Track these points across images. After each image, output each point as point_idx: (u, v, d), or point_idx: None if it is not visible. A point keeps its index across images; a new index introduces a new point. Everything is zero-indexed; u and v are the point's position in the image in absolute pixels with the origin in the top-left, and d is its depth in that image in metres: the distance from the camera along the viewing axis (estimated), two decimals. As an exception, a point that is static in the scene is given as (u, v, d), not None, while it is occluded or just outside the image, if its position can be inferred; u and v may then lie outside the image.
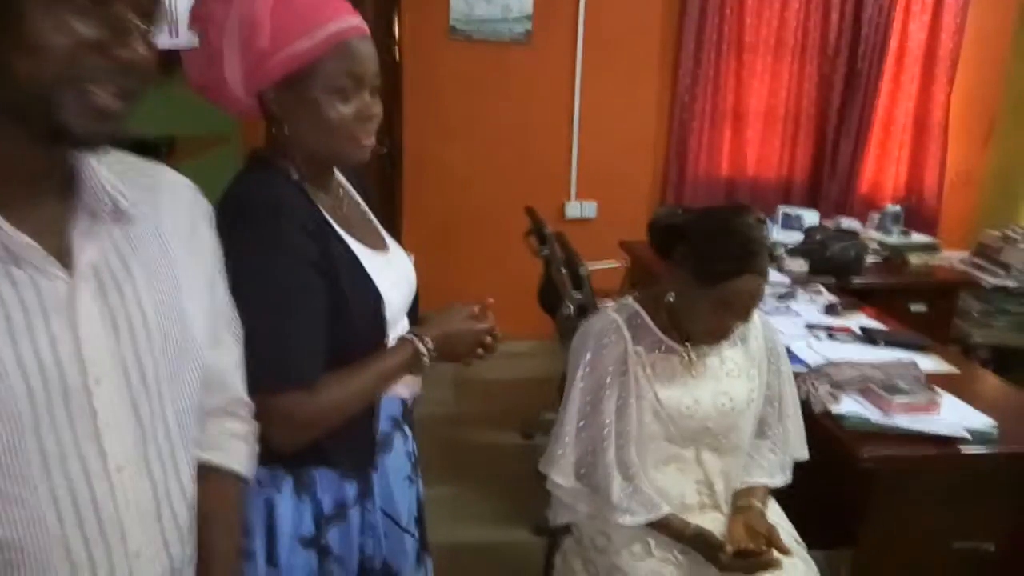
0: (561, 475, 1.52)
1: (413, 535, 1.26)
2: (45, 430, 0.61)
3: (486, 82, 3.87)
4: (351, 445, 1.12)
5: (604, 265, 3.02)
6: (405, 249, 1.27)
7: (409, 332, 1.14)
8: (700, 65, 3.81)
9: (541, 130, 3.95)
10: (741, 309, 1.43)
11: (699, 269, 1.41)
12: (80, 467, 0.63)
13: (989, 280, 3.49)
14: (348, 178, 1.23)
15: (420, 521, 1.30)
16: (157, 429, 0.70)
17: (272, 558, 1.10)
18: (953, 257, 3.62)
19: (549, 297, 2.84)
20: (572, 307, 2.24)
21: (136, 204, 0.70)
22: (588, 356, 1.50)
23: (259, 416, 0.99)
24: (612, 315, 1.52)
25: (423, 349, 1.11)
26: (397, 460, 1.22)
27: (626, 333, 1.49)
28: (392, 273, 1.15)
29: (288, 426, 1.01)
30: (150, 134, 2.22)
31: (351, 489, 1.14)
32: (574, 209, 4.06)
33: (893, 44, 3.84)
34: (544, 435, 2.64)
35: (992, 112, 3.98)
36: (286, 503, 1.10)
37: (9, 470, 0.59)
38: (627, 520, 1.45)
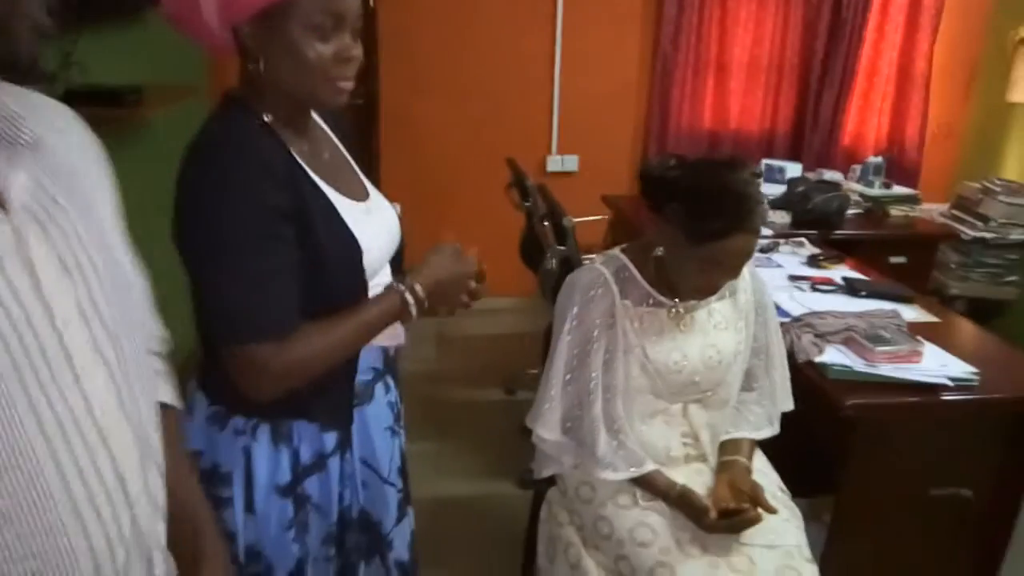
0: (547, 429, 1.51)
1: (395, 486, 1.25)
2: (29, 379, 0.57)
3: (463, 32, 3.76)
4: (329, 399, 1.11)
5: (587, 219, 2.98)
6: (390, 199, 1.22)
7: (396, 280, 1.10)
8: (683, 13, 3.73)
9: (521, 82, 3.87)
10: (731, 267, 1.41)
11: (691, 227, 1.37)
12: (71, 417, 0.60)
13: (968, 232, 3.51)
14: (327, 124, 1.18)
15: (403, 473, 1.29)
16: (126, 372, 0.67)
17: (249, 505, 1.10)
18: (933, 209, 3.63)
19: (531, 251, 2.81)
20: (555, 260, 2.21)
21: (39, 131, 0.64)
22: (575, 309, 1.48)
23: (233, 367, 0.97)
24: (600, 268, 1.50)
25: (411, 299, 1.07)
26: (378, 410, 1.20)
27: (614, 286, 1.47)
28: (373, 223, 1.11)
29: (264, 377, 0.98)
30: (116, 83, 2.13)
31: (330, 439, 1.13)
32: (555, 163, 4.00)
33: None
34: (527, 391, 2.64)
35: (973, 64, 3.95)
36: (263, 451, 1.09)
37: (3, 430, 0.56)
38: (611, 475, 1.46)
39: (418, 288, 1.08)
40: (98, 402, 0.62)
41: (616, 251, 1.55)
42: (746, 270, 1.54)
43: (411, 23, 3.71)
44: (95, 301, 0.64)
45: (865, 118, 4.03)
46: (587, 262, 1.68)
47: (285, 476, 1.10)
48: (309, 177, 1.04)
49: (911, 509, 1.82)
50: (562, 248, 2.23)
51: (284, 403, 1.03)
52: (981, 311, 3.40)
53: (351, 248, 1.05)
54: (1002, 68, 3.71)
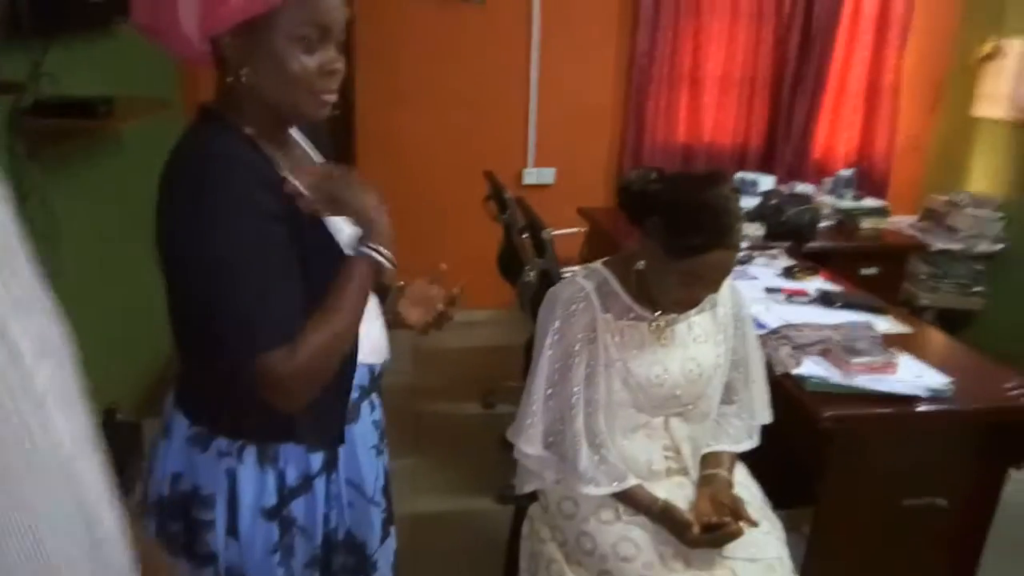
0: (529, 444, 1.50)
1: (379, 506, 1.23)
2: None
3: (441, 44, 3.77)
4: (319, 419, 1.08)
5: (565, 231, 2.99)
6: None
7: (354, 247, 1.04)
8: (658, 28, 3.77)
9: (498, 94, 3.88)
10: (711, 281, 1.41)
11: (670, 242, 1.37)
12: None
13: (936, 244, 3.58)
14: (305, 137, 1.17)
15: (387, 492, 1.27)
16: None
17: (232, 529, 1.06)
18: (903, 221, 3.70)
19: (509, 264, 2.81)
20: (534, 273, 2.21)
21: None
22: (557, 324, 1.48)
23: (256, 380, 0.93)
24: (581, 282, 1.49)
25: (379, 256, 1.03)
26: (364, 429, 1.18)
27: (595, 300, 1.47)
28: (352, 231, 1.10)
29: (281, 387, 0.94)
30: (87, 94, 2.10)
31: (316, 460, 1.10)
32: (532, 175, 4.01)
33: (847, 8, 3.86)
34: (506, 404, 2.63)
35: (940, 79, 4.04)
36: (249, 473, 1.06)
37: None
38: (593, 490, 1.45)
39: (379, 246, 1.03)
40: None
41: (597, 264, 1.55)
42: (725, 283, 1.54)
43: (389, 34, 3.70)
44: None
45: (836, 131, 4.10)
46: (566, 275, 1.67)
47: (271, 499, 1.07)
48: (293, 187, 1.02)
49: (888, 519, 1.84)
50: (541, 261, 2.23)
51: (272, 424, 1.01)
52: (950, 321, 3.47)
53: (336, 258, 1.03)
54: (967, 83, 3.81)
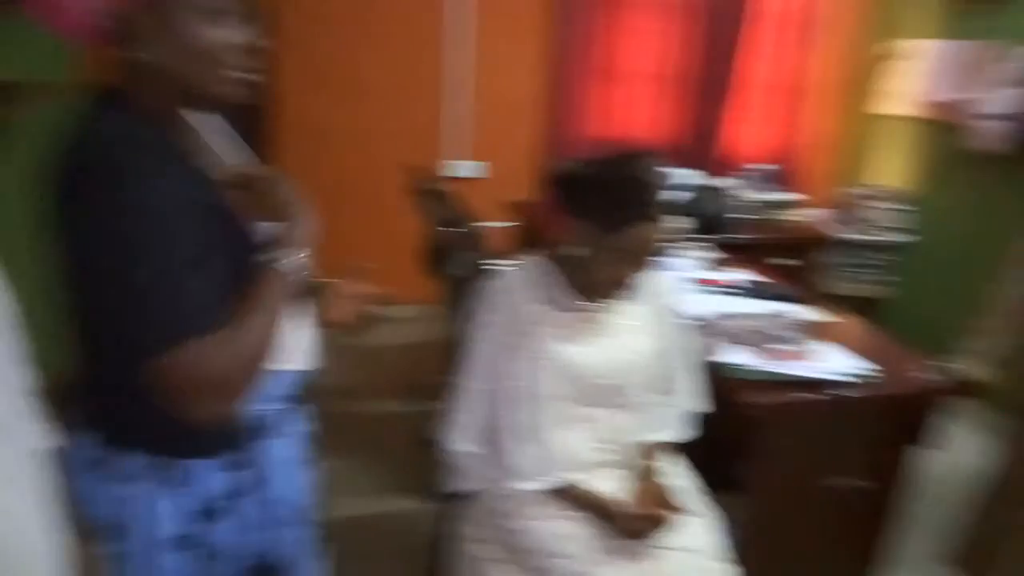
0: (459, 440, 1.46)
1: (305, 524, 1.16)
2: None
3: (362, 32, 3.66)
4: (229, 433, 1.00)
5: (493, 224, 2.95)
6: None
7: (267, 255, 0.96)
8: (576, 23, 3.78)
9: (424, 86, 3.81)
10: (639, 257, 1.41)
11: (598, 219, 1.37)
12: None
13: (848, 235, 3.73)
14: (214, 127, 1.09)
15: (313, 508, 1.19)
16: None
17: (140, 559, 0.97)
18: (818, 214, 3.84)
19: (435, 258, 2.75)
20: (461, 268, 2.16)
21: None
22: (490, 316, 1.44)
23: (166, 379, 0.84)
24: (512, 273, 1.47)
25: (289, 266, 0.95)
26: (288, 443, 1.10)
27: (528, 292, 1.44)
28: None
29: (185, 390, 0.85)
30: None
31: (231, 479, 1.02)
32: (459, 168, 3.96)
33: (757, 7, 3.96)
34: (432, 401, 2.57)
35: (847, 77, 4.21)
36: (155, 498, 0.96)
37: None
38: (528, 486, 1.42)
39: (290, 253, 0.96)
40: None
41: (528, 256, 1.52)
42: (655, 273, 1.54)
43: (312, 19, 3.57)
44: None
45: (755, 127, 4.21)
46: (496, 268, 1.64)
47: (182, 525, 0.98)
48: (201, 172, 0.94)
49: (814, 501, 1.89)
50: (469, 254, 2.18)
51: (178, 440, 0.93)
52: (863, 309, 3.60)
53: (246, 246, 0.96)
54: (871, 81, 3.98)
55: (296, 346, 1.05)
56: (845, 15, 4.09)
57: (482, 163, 3.97)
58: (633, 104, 4.03)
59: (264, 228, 0.99)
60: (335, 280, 1.24)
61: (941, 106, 3.46)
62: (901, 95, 3.77)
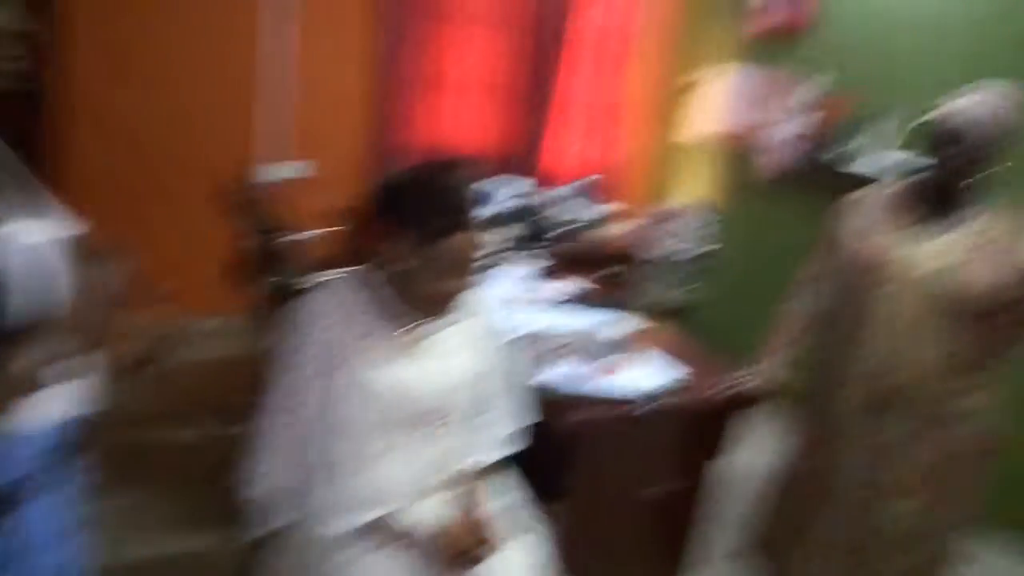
0: (268, 472, 1.33)
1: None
2: None
3: (169, 17, 3.33)
4: None
5: (313, 233, 2.78)
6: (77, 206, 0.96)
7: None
8: (403, 29, 3.69)
9: (237, 77, 3.52)
10: (459, 270, 1.36)
11: (416, 231, 1.31)
12: None
13: (661, 247, 3.95)
14: None
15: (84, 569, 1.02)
16: None
17: None
18: (636, 226, 4.04)
19: (247, 271, 2.54)
20: (275, 282, 2.00)
21: None
22: (302, 339, 1.33)
23: None
24: (330, 291, 1.37)
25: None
26: (48, 508, 0.92)
27: (345, 311, 1.35)
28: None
29: None
30: None
31: None
32: (279, 170, 3.69)
33: (592, 29, 4.10)
34: (236, 425, 2.36)
35: (660, 99, 4.47)
36: None
37: None
38: (342, 522, 1.33)
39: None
40: None
41: (343, 273, 1.42)
42: (480, 291, 1.50)
43: (112, 9, 3.19)
44: None
45: (577, 142, 4.35)
46: (310, 284, 1.52)
47: None
48: None
49: (629, 510, 1.96)
50: (284, 267, 2.03)
51: None
52: (677, 316, 3.84)
53: None
54: (683, 100, 4.25)
55: (57, 400, 0.88)
56: (655, 42, 4.34)
57: (304, 163, 3.75)
58: (461, 114, 4.01)
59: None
60: (124, 314, 1.08)
61: (738, 131, 3.76)
62: (703, 119, 4.06)
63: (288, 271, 1.98)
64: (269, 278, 2.04)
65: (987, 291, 1.64)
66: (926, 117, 1.72)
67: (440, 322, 1.44)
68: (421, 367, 1.41)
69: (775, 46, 3.56)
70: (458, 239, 1.32)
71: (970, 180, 1.67)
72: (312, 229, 2.99)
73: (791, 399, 2.02)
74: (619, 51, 4.23)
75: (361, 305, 1.38)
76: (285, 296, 1.56)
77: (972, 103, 1.64)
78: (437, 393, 1.42)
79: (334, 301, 1.37)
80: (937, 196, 1.72)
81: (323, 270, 1.54)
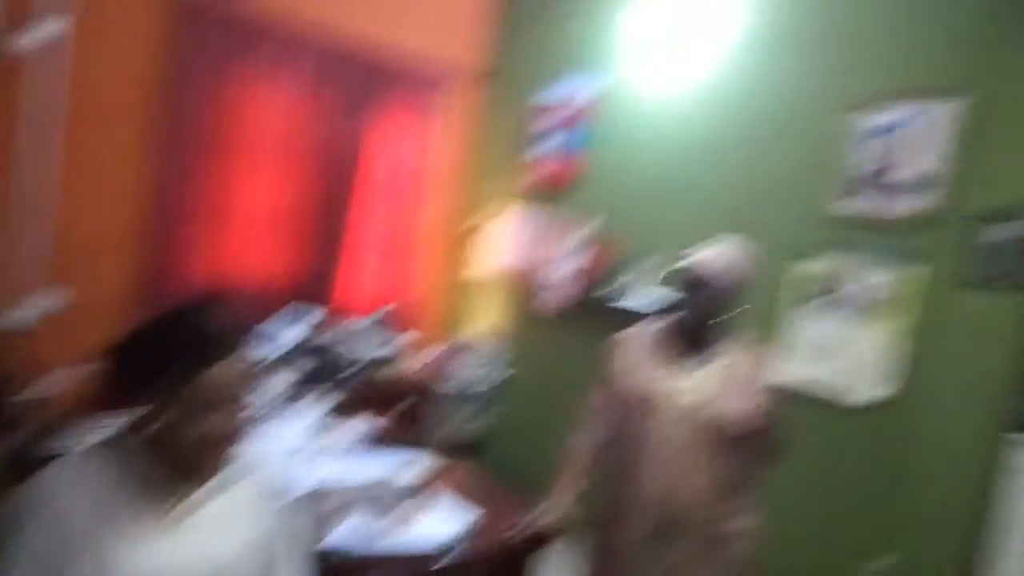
0: None
1: None
2: None
3: None
4: None
5: (60, 381, 2.45)
6: None
7: None
8: (182, 160, 3.55)
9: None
10: (223, 405, 1.24)
11: (167, 376, 1.20)
12: None
13: (453, 381, 3.98)
14: None
15: None
16: None
17: None
18: (428, 361, 4.04)
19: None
20: (8, 448, 1.71)
21: None
22: (30, 527, 1.12)
23: None
24: (69, 466, 1.18)
25: None
26: None
27: (87, 489, 1.17)
28: None
29: None
30: None
31: None
32: (27, 308, 3.25)
33: (384, 166, 4.21)
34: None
35: (451, 237, 4.65)
36: None
37: None
38: None
39: None
40: None
41: (92, 440, 1.24)
42: (253, 446, 1.39)
43: None
44: None
45: (371, 276, 4.35)
46: (52, 452, 1.32)
47: None
48: None
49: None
50: (14, 434, 1.74)
51: None
52: (469, 452, 3.83)
53: None
54: (470, 238, 4.46)
55: None
56: (446, 180, 4.57)
57: (62, 294, 3.33)
58: (249, 246, 3.86)
59: None
60: None
61: (523, 267, 3.98)
62: (492, 255, 4.27)
63: (28, 437, 1.70)
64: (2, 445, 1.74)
65: (740, 419, 1.83)
66: (678, 264, 1.94)
67: (209, 489, 1.30)
68: (187, 546, 1.25)
69: (552, 193, 3.89)
70: (218, 369, 1.22)
71: (717, 319, 1.89)
72: (66, 372, 2.65)
73: (582, 532, 2.06)
74: (412, 187, 4.38)
75: (111, 478, 1.21)
76: (21, 467, 1.33)
77: (715, 255, 1.88)
78: (208, 575, 1.26)
79: (77, 476, 1.18)
80: (692, 334, 1.92)
81: (70, 429, 1.34)
